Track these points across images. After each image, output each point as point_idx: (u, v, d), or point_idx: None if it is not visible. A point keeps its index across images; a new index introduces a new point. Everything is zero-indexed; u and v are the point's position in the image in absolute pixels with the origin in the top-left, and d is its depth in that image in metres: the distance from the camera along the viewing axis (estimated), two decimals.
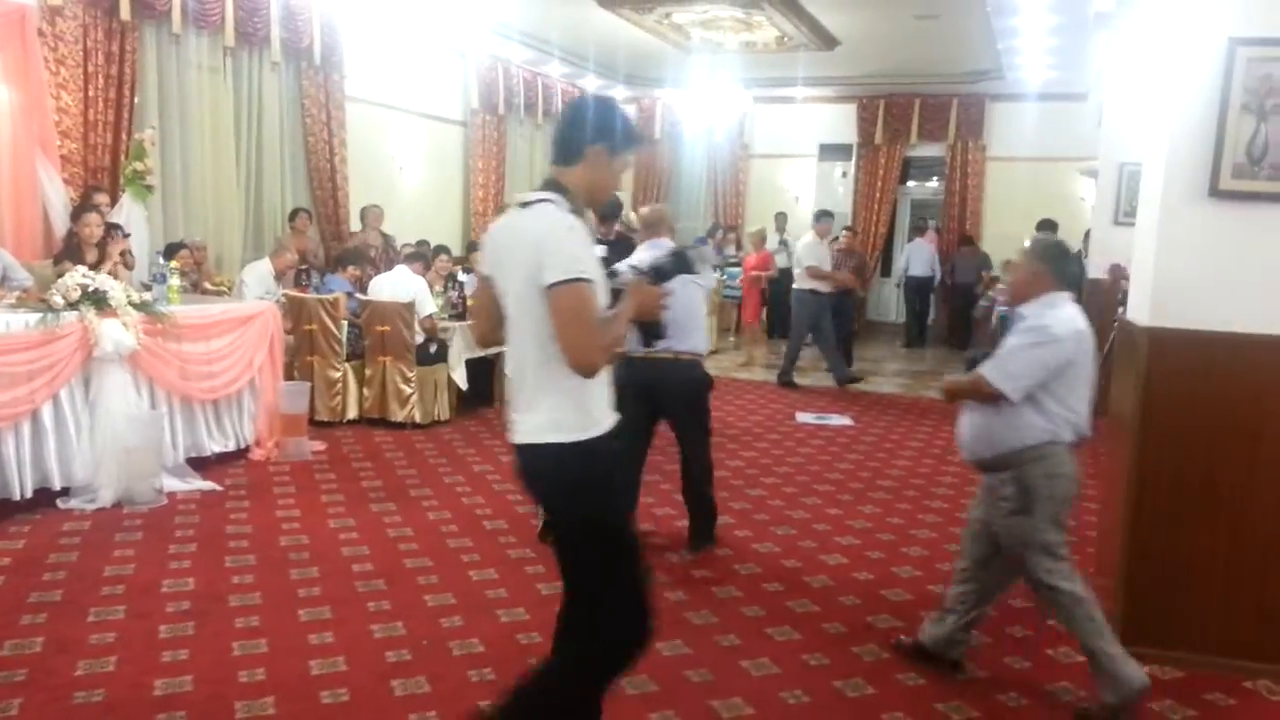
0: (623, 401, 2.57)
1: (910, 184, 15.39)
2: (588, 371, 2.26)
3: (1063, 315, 3.20)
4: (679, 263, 2.76)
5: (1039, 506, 3.18)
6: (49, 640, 3.45)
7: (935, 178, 15.19)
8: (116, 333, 4.94)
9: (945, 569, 4.61)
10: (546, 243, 2.25)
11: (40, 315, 4.74)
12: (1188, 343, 3.53)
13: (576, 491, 2.36)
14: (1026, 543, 3.22)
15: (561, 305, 2.23)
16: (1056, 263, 3.29)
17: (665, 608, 3.98)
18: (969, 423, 3.34)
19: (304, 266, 7.84)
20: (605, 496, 2.39)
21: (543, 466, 2.37)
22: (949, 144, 13.52)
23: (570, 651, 2.48)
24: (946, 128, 13.44)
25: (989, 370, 3.19)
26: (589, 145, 2.40)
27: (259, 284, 7.22)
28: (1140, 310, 3.73)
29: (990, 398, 3.18)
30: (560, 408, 2.32)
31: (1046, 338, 3.14)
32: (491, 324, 2.54)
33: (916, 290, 13.38)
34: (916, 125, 13.59)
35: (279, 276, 7.41)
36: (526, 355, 2.34)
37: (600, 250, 6.96)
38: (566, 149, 2.42)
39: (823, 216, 9.89)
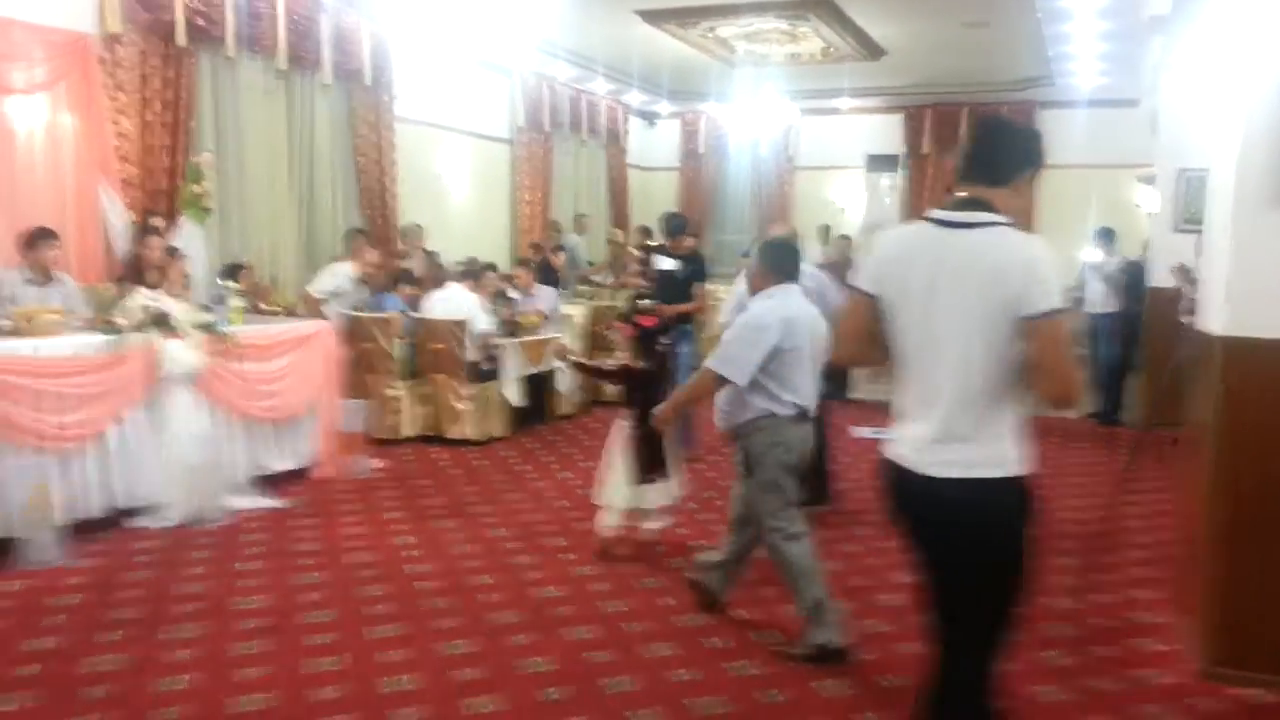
0: None
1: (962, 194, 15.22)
2: (1066, 403, 2.20)
3: (773, 305, 3.72)
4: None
5: (760, 470, 3.74)
6: (126, 658, 3.49)
7: None
8: (181, 354, 5.01)
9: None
10: (1036, 269, 2.16)
11: (106, 338, 4.82)
12: (1265, 351, 3.42)
13: (1008, 527, 2.27)
14: (751, 501, 3.82)
15: (1054, 335, 2.15)
16: (775, 261, 3.86)
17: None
18: (717, 402, 3.83)
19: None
20: (1028, 534, 2.29)
21: (980, 501, 2.23)
22: None
23: (972, 669, 2.35)
24: None
25: (712, 362, 3.72)
26: (1021, 170, 2.34)
27: (331, 279, 7.43)
28: (1213, 319, 3.62)
29: (720, 383, 3.68)
30: (1002, 439, 2.24)
31: (756, 326, 3.67)
32: (862, 344, 2.44)
33: None
34: (966, 134, 13.41)
35: (362, 280, 7.53)
36: (969, 383, 2.21)
37: (672, 264, 7.04)
38: (996, 171, 2.31)
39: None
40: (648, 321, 4.91)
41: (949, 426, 2.24)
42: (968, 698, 2.34)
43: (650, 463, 4.68)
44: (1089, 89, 11.40)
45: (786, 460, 3.72)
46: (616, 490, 4.72)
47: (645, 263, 7.10)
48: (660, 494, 4.74)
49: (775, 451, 3.71)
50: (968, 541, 2.27)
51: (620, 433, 4.76)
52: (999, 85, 12.45)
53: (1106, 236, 9.20)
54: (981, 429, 2.22)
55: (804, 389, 3.72)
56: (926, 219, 2.34)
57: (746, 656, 3.68)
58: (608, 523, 4.75)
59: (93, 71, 6.70)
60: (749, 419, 3.73)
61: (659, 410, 4.04)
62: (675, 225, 6.97)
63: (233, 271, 6.92)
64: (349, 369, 6.96)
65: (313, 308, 7.56)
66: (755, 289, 3.89)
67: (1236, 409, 3.46)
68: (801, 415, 3.74)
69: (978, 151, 2.36)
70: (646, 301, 5.31)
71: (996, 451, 2.23)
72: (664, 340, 4.95)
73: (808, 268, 5.54)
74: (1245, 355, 3.45)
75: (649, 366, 4.86)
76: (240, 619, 3.87)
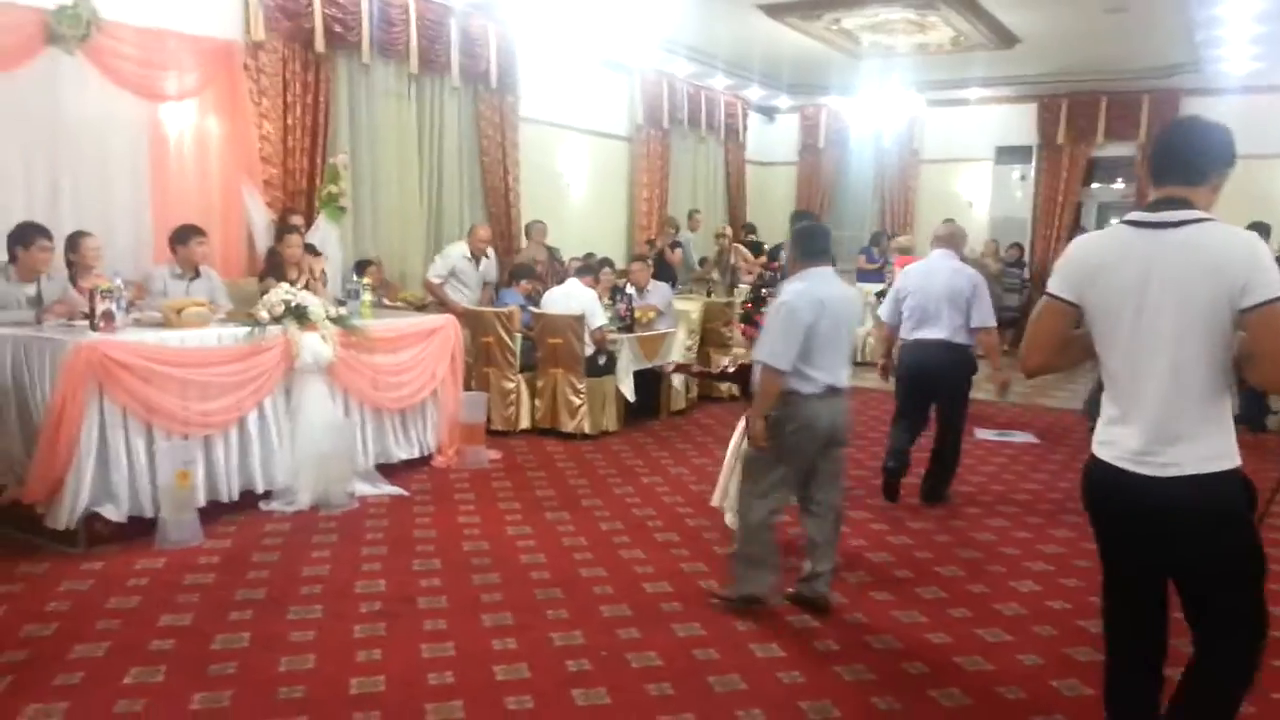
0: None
1: (1094, 185, 14.53)
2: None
3: (803, 288, 3.86)
4: None
5: (774, 442, 3.88)
6: (255, 636, 3.66)
7: (1121, 179, 14.27)
8: (316, 345, 5.24)
9: None
10: (1258, 259, 2.21)
11: (248, 330, 5.08)
12: None
13: (1241, 516, 2.34)
14: (750, 456, 4.02)
15: (1274, 324, 2.18)
16: (805, 245, 4.02)
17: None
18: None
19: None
20: (1256, 521, 2.41)
21: (1211, 495, 2.29)
22: (1139, 143, 12.66)
23: (1230, 654, 2.41)
24: (1137, 126, 12.59)
25: (761, 356, 3.85)
26: (1218, 168, 2.38)
27: (443, 261, 7.92)
28: None
29: (776, 374, 3.79)
30: (1223, 433, 2.32)
31: (789, 312, 3.81)
32: (1055, 352, 2.51)
33: None
34: (1104, 124, 12.80)
35: (473, 257, 7.95)
36: (1188, 381, 2.28)
37: None
38: (1195, 171, 2.36)
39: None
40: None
41: (1170, 426, 2.29)
42: (1238, 678, 2.40)
43: None
44: (1241, 74, 10.70)
45: (795, 441, 3.88)
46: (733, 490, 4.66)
47: (756, 256, 7.10)
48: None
49: (787, 429, 3.87)
50: (1205, 536, 2.30)
51: (741, 434, 4.69)
52: (1140, 72, 11.80)
53: (1260, 231, 8.61)
54: (1202, 425, 2.29)
55: (833, 367, 3.88)
56: (1125, 222, 2.38)
57: (858, 660, 3.60)
58: (730, 523, 4.68)
59: (238, 77, 7.08)
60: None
61: (753, 434, 3.94)
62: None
63: (362, 267, 7.20)
64: (470, 362, 7.15)
65: (434, 292, 7.86)
66: (789, 274, 4.08)
67: None
68: (830, 391, 3.90)
69: (1175, 151, 2.39)
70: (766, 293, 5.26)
71: (1219, 445, 2.30)
72: None
73: (957, 264, 5.63)
74: None
75: None
76: (362, 602, 4.01)
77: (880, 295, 8.07)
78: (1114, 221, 2.40)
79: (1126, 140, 12.79)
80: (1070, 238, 13.28)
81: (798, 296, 3.83)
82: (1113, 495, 2.40)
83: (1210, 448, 2.29)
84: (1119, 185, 14.46)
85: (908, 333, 5.58)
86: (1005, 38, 10.25)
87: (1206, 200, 2.34)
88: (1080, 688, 3.44)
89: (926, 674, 3.53)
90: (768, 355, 3.81)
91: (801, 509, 4.16)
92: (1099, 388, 2.55)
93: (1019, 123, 13.44)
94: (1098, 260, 2.39)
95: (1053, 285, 2.46)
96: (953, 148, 13.80)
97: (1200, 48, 9.92)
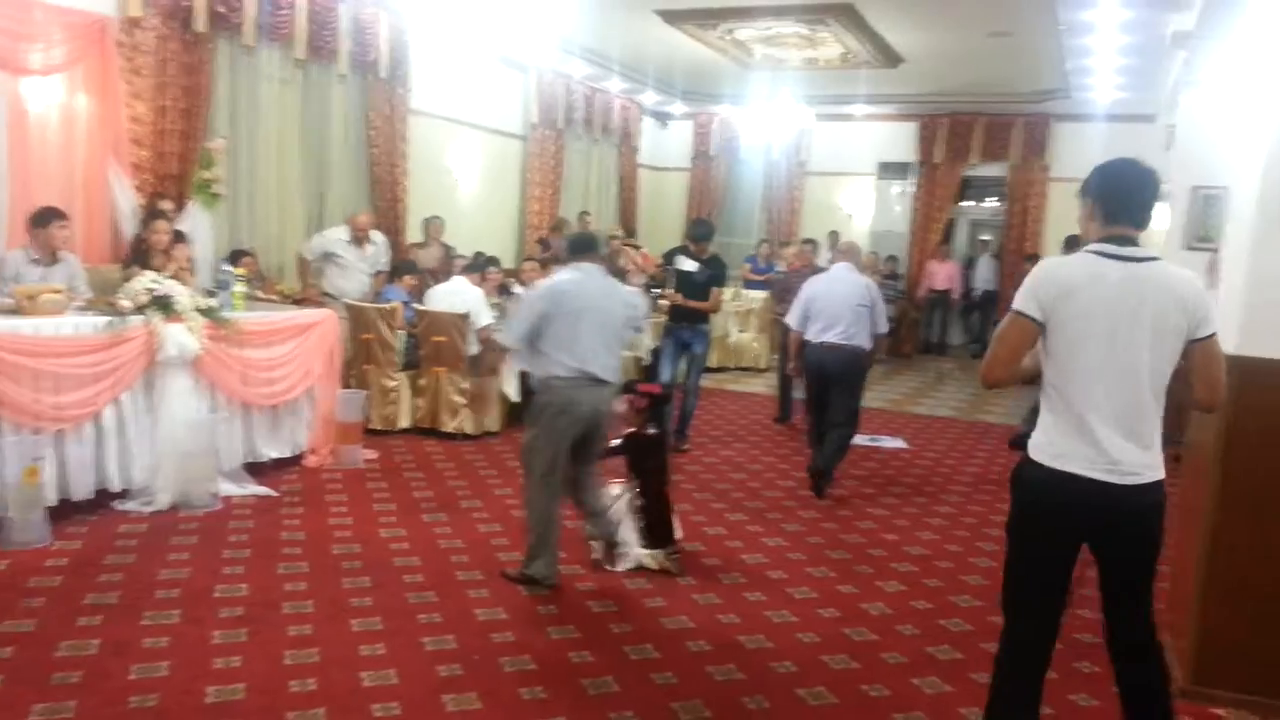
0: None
1: (967, 203, 15.18)
2: (1216, 408, 2.75)
3: (549, 280, 4.42)
4: None
5: (534, 423, 4.28)
6: (105, 643, 3.47)
7: (993, 197, 14.96)
8: (181, 337, 5.00)
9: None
10: (1206, 299, 2.56)
11: (108, 319, 4.82)
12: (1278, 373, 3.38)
13: (1163, 514, 2.66)
14: (524, 445, 4.32)
15: (1216, 353, 2.58)
16: (570, 247, 4.57)
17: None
18: (519, 364, 4.56)
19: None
20: None
21: (1161, 498, 2.62)
22: (1011, 164, 13.30)
23: (1144, 642, 2.74)
24: (1009, 147, 13.22)
25: (501, 335, 4.39)
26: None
27: (320, 240, 7.81)
28: (1227, 338, 3.57)
29: (505, 348, 4.40)
30: (1159, 444, 2.61)
31: (526, 297, 4.40)
32: (1016, 366, 2.67)
33: (981, 306, 13.96)
34: (979, 144, 13.39)
35: (354, 241, 7.78)
36: (1147, 399, 2.56)
37: (693, 265, 7.71)
38: (1146, 217, 2.63)
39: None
40: (653, 388, 4.95)
41: (1139, 439, 2.56)
42: (1155, 636, 2.74)
43: (659, 529, 4.60)
44: (1106, 103, 11.34)
45: (557, 424, 4.18)
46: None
47: (669, 262, 7.40)
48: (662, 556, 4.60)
49: (549, 412, 4.20)
50: (1154, 532, 2.64)
51: (626, 502, 4.69)
52: (1015, 96, 12.42)
53: (1071, 244, 9.16)
54: (1155, 437, 2.60)
55: (589, 355, 4.16)
56: (1093, 253, 2.58)
57: (730, 660, 3.65)
58: (595, 555, 4.66)
59: (110, 55, 6.72)
60: (538, 379, 4.31)
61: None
62: (701, 231, 7.31)
63: (237, 257, 6.93)
64: (349, 359, 6.96)
65: (301, 269, 7.72)
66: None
67: (1245, 430, 3.40)
68: (589, 379, 4.17)
69: (1132, 197, 2.62)
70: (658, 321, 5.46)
71: (1160, 454, 2.61)
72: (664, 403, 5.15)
73: (857, 277, 6.28)
74: (1258, 376, 3.40)
75: (657, 432, 4.80)
76: (222, 607, 3.85)
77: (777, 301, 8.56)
78: (1082, 251, 2.60)
79: (999, 161, 13.43)
80: (942, 253, 13.88)
81: (542, 287, 4.38)
82: (1084, 501, 2.57)
83: (1158, 458, 2.60)
84: (990, 203, 15.16)
85: (814, 336, 6.16)
86: (891, 57, 10.60)
87: (1141, 240, 2.64)
88: (940, 685, 3.57)
89: (795, 673, 3.60)
90: (505, 335, 4.44)
91: (573, 488, 4.46)
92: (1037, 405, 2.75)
93: (901, 140, 13.94)
94: (1069, 283, 2.55)
95: (1021, 304, 2.60)
96: (838, 161, 14.20)
97: (1070, 75, 10.47)
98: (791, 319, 6.37)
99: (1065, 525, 2.63)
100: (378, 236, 8.12)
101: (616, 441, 4.69)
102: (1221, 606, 3.49)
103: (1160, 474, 2.60)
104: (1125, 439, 2.54)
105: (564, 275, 4.33)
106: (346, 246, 7.77)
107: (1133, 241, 2.58)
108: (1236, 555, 3.46)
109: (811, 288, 6.30)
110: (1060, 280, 2.57)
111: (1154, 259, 2.55)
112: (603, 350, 4.22)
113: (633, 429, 4.73)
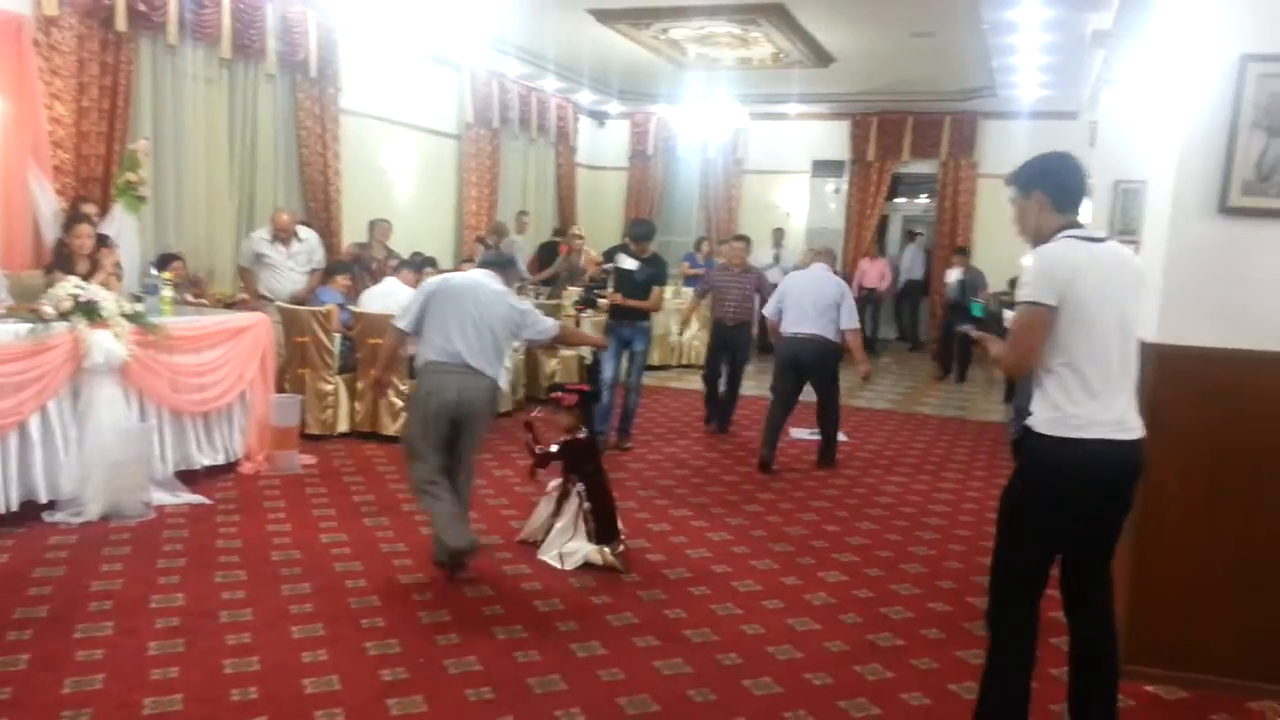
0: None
1: (899, 200, 15.46)
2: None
3: (439, 276, 4.74)
4: None
5: (410, 409, 4.60)
6: (35, 658, 3.36)
7: (925, 194, 15.27)
8: (107, 344, 4.87)
9: (945, 586, 4.59)
10: (1143, 274, 2.97)
11: (30, 326, 4.67)
12: (1196, 360, 3.51)
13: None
14: (403, 437, 4.61)
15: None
16: (480, 262, 5.01)
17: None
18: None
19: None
20: None
21: (1144, 454, 2.84)
22: (941, 161, 13.58)
23: (1107, 596, 2.96)
24: (938, 145, 13.51)
25: (395, 319, 4.53)
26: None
27: (248, 245, 7.75)
28: (1146, 327, 3.70)
29: (396, 331, 4.50)
30: None
31: (421, 287, 4.57)
32: (1038, 353, 2.78)
33: (908, 296, 14.30)
34: (909, 142, 13.65)
35: (276, 240, 7.69)
36: (1129, 363, 2.81)
37: (633, 264, 7.84)
38: (1080, 199, 2.88)
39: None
40: (581, 387, 5.03)
41: (1130, 400, 2.80)
42: (1112, 591, 2.96)
43: (606, 527, 4.62)
44: (1030, 100, 11.66)
45: (427, 405, 4.32)
46: (558, 541, 4.66)
47: (609, 260, 7.53)
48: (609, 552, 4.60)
49: (419, 393, 4.43)
50: (1134, 487, 2.87)
51: (571, 502, 4.69)
52: (943, 95, 12.67)
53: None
54: (1135, 398, 2.83)
55: (458, 340, 4.32)
56: (1072, 237, 2.78)
57: (676, 654, 3.67)
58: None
59: (26, 54, 6.50)
60: (417, 365, 4.55)
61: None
62: (641, 230, 7.38)
63: (166, 261, 6.77)
64: (283, 363, 6.84)
65: (244, 279, 7.64)
66: None
67: (1165, 416, 3.49)
68: (459, 366, 4.32)
69: (1078, 188, 2.87)
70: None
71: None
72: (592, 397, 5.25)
73: (830, 275, 6.87)
74: (1176, 363, 3.52)
75: (589, 434, 4.84)
76: (158, 617, 3.76)
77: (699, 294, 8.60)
78: (1059, 238, 2.78)
79: (929, 158, 13.71)
80: (876, 249, 14.11)
81: (435, 279, 4.65)
82: (1108, 463, 2.73)
83: (1139, 416, 2.84)
84: (921, 200, 15.47)
85: (787, 328, 6.73)
86: (822, 56, 10.75)
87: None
88: (882, 671, 3.64)
89: (741, 664, 3.64)
90: (397, 316, 4.53)
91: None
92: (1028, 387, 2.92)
93: (833, 138, 14.15)
94: (1075, 265, 2.72)
95: (1038, 295, 2.71)
96: (773, 160, 14.36)
97: (996, 74, 10.74)
98: (768, 310, 7.00)
99: (1091, 492, 2.76)
100: (308, 234, 7.99)
101: (554, 448, 4.71)
102: (1148, 587, 3.61)
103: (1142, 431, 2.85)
104: (1129, 400, 2.79)
105: (458, 274, 4.57)
106: (271, 246, 7.66)
107: (1079, 225, 2.83)
108: (1161, 539, 3.58)
109: (788, 282, 6.98)
110: (1068, 264, 2.73)
111: (1108, 239, 2.91)
112: (475, 341, 4.35)
113: (566, 435, 4.74)
